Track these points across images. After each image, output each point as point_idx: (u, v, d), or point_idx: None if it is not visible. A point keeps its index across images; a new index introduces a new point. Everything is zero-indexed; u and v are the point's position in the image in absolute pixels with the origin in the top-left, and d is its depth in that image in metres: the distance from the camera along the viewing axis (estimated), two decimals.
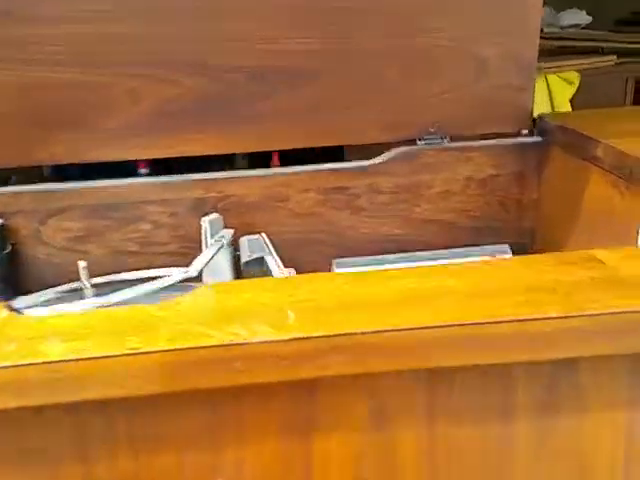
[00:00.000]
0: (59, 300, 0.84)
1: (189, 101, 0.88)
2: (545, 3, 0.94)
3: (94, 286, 0.83)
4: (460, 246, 0.98)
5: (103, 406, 0.46)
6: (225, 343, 0.43)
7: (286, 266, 0.89)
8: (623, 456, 0.50)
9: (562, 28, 2.14)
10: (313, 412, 0.48)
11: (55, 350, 0.43)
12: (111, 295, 0.74)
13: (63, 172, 1.32)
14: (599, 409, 0.50)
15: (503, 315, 0.46)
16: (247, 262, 0.86)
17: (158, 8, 0.84)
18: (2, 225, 0.88)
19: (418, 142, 0.95)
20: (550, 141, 0.94)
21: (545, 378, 0.49)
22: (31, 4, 0.81)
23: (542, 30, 0.98)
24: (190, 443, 0.48)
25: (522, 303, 0.47)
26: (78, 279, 0.86)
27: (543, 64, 1.80)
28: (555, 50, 1.99)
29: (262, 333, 0.43)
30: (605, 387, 0.49)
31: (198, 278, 0.89)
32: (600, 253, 0.54)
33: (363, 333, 0.44)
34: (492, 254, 0.95)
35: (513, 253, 0.97)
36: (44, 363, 0.43)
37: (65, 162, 0.90)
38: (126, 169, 1.02)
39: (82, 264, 0.85)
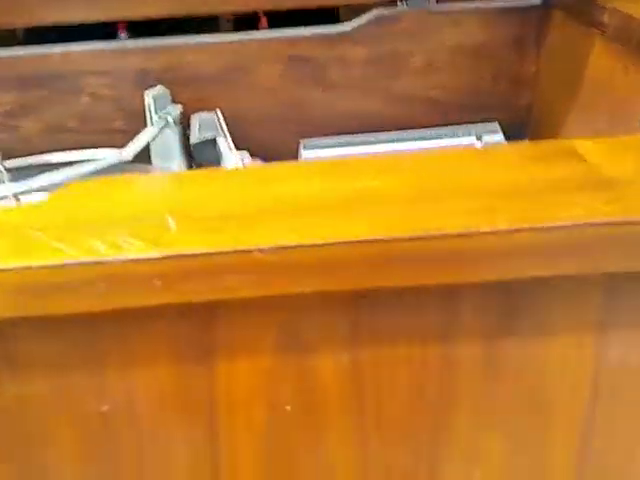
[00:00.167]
0: None
1: None
2: None
3: (10, 170, 0.74)
4: (446, 125, 0.86)
5: None
6: (80, 261, 0.34)
7: (246, 150, 0.79)
8: (588, 393, 0.42)
9: None
10: (212, 337, 0.40)
11: None
12: (31, 180, 0.65)
13: (39, 37, 1.20)
14: (561, 337, 0.41)
15: (442, 227, 0.36)
16: (197, 144, 0.76)
17: None
18: None
19: (399, 3, 0.82)
20: (551, 4, 0.81)
21: (495, 299, 0.40)
22: None
23: None
24: (68, 370, 0.40)
25: (468, 212, 0.37)
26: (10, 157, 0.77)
27: None
28: None
29: (129, 249, 0.34)
30: (570, 312, 0.40)
31: (147, 161, 0.80)
32: (582, 145, 0.44)
33: (261, 250, 0.35)
34: (479, 135, 0.84)
35: (505, 134, 0.85)
36: None
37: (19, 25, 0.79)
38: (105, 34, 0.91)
39: None
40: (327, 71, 0.82)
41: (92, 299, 0.35)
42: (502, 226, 0.36)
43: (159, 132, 0.74)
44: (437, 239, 0.36)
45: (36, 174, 0.68)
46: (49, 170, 0.69)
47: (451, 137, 0.83)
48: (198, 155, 0.77)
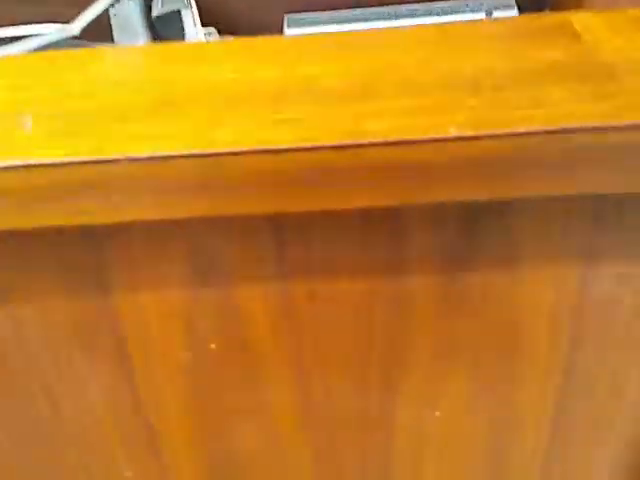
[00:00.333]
0: None
1: None
2: None
3: None
4: None
5: None
6: None
7: (221, 25, 0.69)
8: (567, 336, 0.35)
9: None
10: (107, 268, 0.33)
11: None
12: None
13: None
14: (530, 266, 0.33)
15: (381, 132, 0.28)
16: (159, 17, 0.67)
17: None
18: None
19: None
20: None
21: (451, 224, 0.32)
22: None
23: None
24: None
25: (416, 111, 0.28)
26: None
27: None
28: None
29: None
30: (546, 240, 0.32)
31: (109, 37, 0.70)
32: (580, 19, 0.34)
33: (131, 160, 0.27)
34: (489, 10, 0.73)
35: (521, 9, 0.74)
36: None
37: None
38: None
39: None
40: None
41: None
42: (454, 132, 0.27)
43: (117, 2, 0.64)
44: (375, 147, 0.28)
45: None
46: None
47: (457, 13, 0.72)
48: (161, 29, 0.68)
